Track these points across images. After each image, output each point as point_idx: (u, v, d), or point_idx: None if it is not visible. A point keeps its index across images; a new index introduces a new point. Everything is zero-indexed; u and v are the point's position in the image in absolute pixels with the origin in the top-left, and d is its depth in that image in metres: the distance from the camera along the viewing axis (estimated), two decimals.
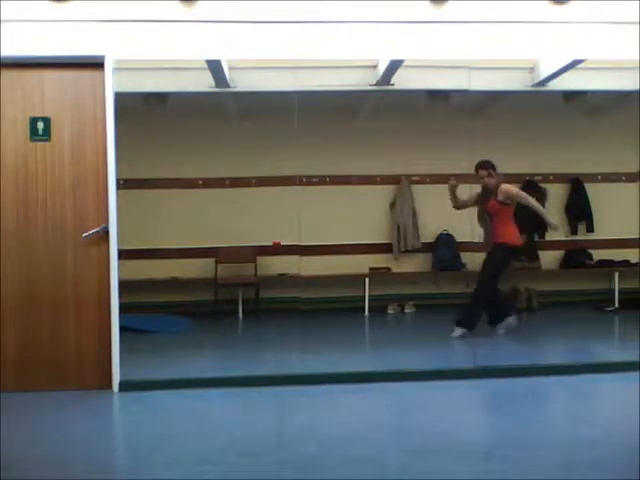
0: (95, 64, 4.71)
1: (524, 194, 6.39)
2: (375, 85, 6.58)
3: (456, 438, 3.67)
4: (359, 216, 8.13)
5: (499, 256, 6.24)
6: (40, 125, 4.76)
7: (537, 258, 8.22)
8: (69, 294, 4.75)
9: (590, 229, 8.37)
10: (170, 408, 4.44)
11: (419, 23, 4.90)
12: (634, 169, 7.90)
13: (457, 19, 4.89)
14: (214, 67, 5.98)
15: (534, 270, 8.10)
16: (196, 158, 7.88)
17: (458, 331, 6.10)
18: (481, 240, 6.56)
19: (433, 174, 8.16)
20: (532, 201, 6.26)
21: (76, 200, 4.77)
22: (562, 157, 8.05)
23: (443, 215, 7.89)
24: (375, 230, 8.27)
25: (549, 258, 8.36)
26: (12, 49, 4.59)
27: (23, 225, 4.75)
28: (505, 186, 6.24)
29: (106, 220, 4.74)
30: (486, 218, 6.37)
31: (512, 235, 6.22)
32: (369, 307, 7.84)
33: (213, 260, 7.77)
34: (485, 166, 6.26)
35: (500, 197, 6.20)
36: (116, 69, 4.76)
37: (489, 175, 6.24)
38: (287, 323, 7.25)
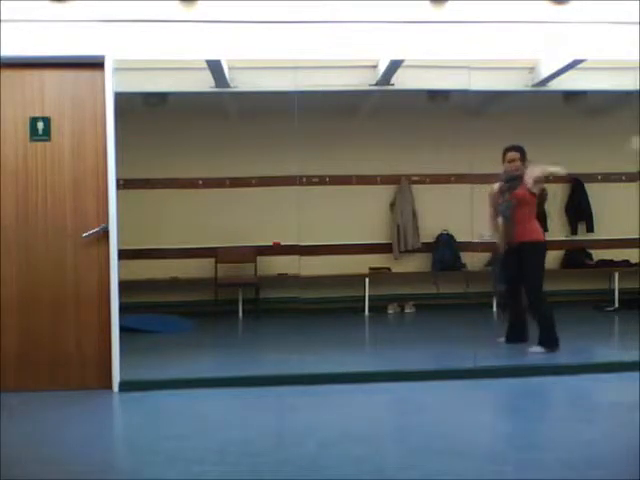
0: (95, 64, 4.71)
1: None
2: (375, 85, 6.58)
3: (456, 438, 3.67)
4: (359, 216, 8.13)
5: (534, 260, 5.79)
6: (40, 125, 4.76)
7: None
8: (69, 294, 4.75)
9: (590, 229, 8.37)
10: (170, 408, 4.44)
11: (419, 23, 4.90)
12: (634, 169, 7.90)
13: (457, 19, 4.89)
14: (214, 67, 5.98)
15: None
16: (196, 158, 7.88)
17: (537, 348, 5.61)
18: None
19: (433, 174, 8.17)
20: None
21: (76, 200, 4.78)
22: (562, 157, 8.00)
23: (443, 215, 7.92)
24: (375, 230, 8.27)
25: (549, 258, 8.30)
26: (12, 49, 4.60)
27: (23, 225, 4.75)
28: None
29: (106, 220, 4.74)
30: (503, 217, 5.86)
31: (539, 231, 5.85)
32: (369, 307, 7.84)
33: (213, 260, 7.77)
34: (518, 149, 5.78)
35: (531, 184, 5.68)
36: (116, 69, 4.76)
37: (521, 160, 5.73)
38: (287, 323, 7.24)
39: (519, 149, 5.82)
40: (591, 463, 3.26)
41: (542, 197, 8.18)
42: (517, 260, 5.82)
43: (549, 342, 5.60)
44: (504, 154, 5.83)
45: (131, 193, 6.94)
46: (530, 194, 5.76)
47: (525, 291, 5.86)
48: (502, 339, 5.98)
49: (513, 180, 5.77)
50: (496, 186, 5.91)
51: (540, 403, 4.62)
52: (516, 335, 5.91)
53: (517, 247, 5.80)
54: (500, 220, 5.90)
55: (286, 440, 3.81)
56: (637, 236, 7.26)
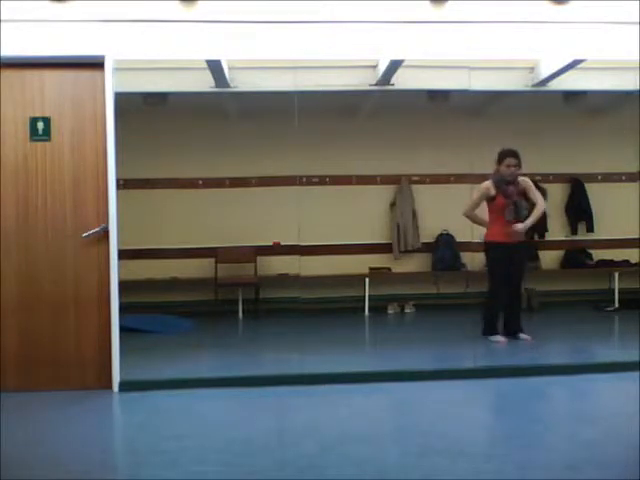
0: (95, 64, 4.71)
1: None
2: (375, 85, 6.58)
3: (456, 438, 3.67)
4: (359, 216, 8.12)
5: (525, 257, 6.24)
6: (40, 125, 4.76)
7: (537, 258, 8.22)
8: (69, 294, 4.75)
9: (590, 229, 8.37)
10: (170, 408, 4.44)
11: (419, 23, 4.90)
12: (634, 169, 7.90)
13: (457, 19, 4.89)
14: (214, 67, 5.98)
15: (534, 270, 8.10)
16: (196, 158, 7.88)
17: (525, 336, 6.03)
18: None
19: (433, 174, 8.17)
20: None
21: (76, 200, 4.78)
22: (562, 157, 8.05)
23: (443, 215, 7.91)
24: (375, 230, 8.27)
25: (549, 258, 8.36)
26: (12, 49, 4.60)
27: (23, 225, 4.75)
28: (527, 179, 6.06)
29: (106, 220, 4.74)
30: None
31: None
32: (369, 307, 7.83)
33: (213, 260, 7.77)
34: (517, 155, 5.97)
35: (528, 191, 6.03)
36: (116, 69, 4.76)
37: (517, 165, 5.96)
38: (287, 323, 7.25)
39: (518, 155, 5.95)
40: (591, 463, 3.26)
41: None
42: (509, 259, 5.98)
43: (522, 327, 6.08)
44: (502, 158, 5.96)
45: (131, 193, 6.94)
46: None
47: (516, 285, 6.11)
48: (498, 337, 5.99)
49: (509, 183, 5.94)
50: (489, 187, 6.01)
51: (540, 403, 4.62)
52: (493, 328, 6.02)
53: (513, 246, 5.96)
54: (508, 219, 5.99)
55: (286, 440, 3.81)
56: (637, 236, 7.26)
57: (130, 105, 6.01)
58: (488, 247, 6.16)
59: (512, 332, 6.03)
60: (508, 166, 5.93)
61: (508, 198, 5.94)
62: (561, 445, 3.56)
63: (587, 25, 4.99)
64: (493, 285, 6.07)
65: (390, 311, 8.02)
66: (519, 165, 5.95)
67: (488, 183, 6.03)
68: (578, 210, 8.36)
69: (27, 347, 4.72)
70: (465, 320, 6.66)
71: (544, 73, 6.51)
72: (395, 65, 6.05)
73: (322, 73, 6.19)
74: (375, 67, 6.42)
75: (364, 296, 7.83)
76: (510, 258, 5.98)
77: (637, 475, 3.08)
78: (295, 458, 3.41)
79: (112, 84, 4.73)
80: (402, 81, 6.52)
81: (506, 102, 7.49)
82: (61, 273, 4.76)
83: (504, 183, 5.95)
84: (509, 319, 6.08)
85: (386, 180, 8.22)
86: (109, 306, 4.73)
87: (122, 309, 4.79)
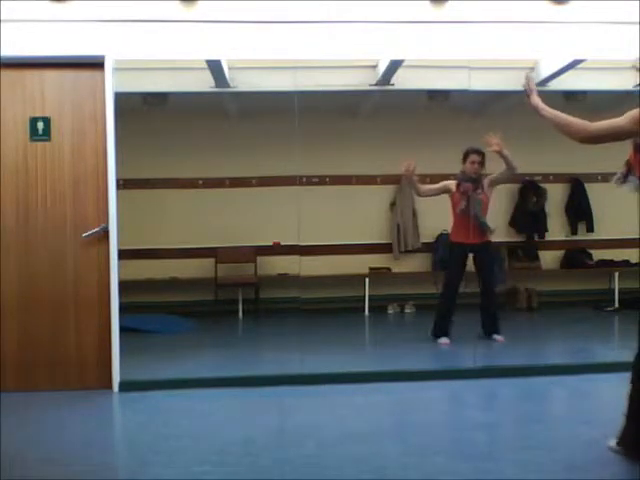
0: (95, 64, 4.72)
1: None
2: (375, 85, 6.58)
3: (456, 438, 3.67)
4: (359, 216, 8.13)
5: (492, 257, 6.32)
6: (40, 125, 4.76)
7: (537, 258, 8.22)
8: (69, 294, 4.76)
9: (590, 229, 8.37)
10: (170, 408, 4.44)
11: (419, 23, 4.90)
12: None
13: (457, 19, 4.90)
14: (214, 67, 5.98)
15: (534, 270, 8.11)
16: (196, 158, 7.88)
17: (499, 337, 6.07)
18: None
19: (433, 174, 8.15)
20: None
21: (76, 200, 4.78)
22: (562, 157, 8.01)
23: (443, 215, 7.88)
24: (375, 230, 8.27)
25: (549, 258, 8.36)
26: (12, 49, 4.60)
27: (23, 225, 4.75)
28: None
29: (106, 220, 4.74)
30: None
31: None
32: (369, 307, 7.83)
33: (213, 260, 7.77)
34: (481, 153, 6.08)
35: (487, 188, 6.11)
36: (116, 69, 4.76)
37: (480, 163, 6.08)
38: (287, 323, 7.24)
39: (482, 153, 6.07)
40: (591, 463, 3.26)
41: (542, 197, 8.25)
42: (465, 258, 6.09)
43: (499, 328, 6.06)
44: (466, 155, 6.10)
45: (131, 193, 6.94)
46: (487, 198, 6.14)
47: (487, 286, 6.18)
48: (443, 340, 6.04)
49: (474, 181, 6.06)
50: (452, 183, 6.17)
51: (540, 403, 4.62)
52: (444, 330, 6.09)
53: (474, 247, 6.08)
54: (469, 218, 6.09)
55: (286, 440, 3.81)
56: (637, 236, 7.24)
57: (130, 105, 6.01)
58: (449, 246, 6.31)
59: (487, 333, 6.06)
60: (472, 163, 6.07)
61: (463, 194, 6.07)
62: (561, 445, 3.56)
63: (587, 25, 5.00)
64: (443, 285, 6.22)
65: (390, 311, 8.02)
66: (483, 163, 6.08)
67: (454, 181, 6.18)
68: (578, 210, 8.37)
69: (27, 347, 4.73)
70: (464, 320, 6.65)
71: (544, 73, 6.50)
72: (395, 65, 6.05)
73: (322, 73, 6.18)
74: (375, 67, 6.41)
75: (364, 296, 7.83)
76: (473, 259, 6.10)
77: (637, 475, 3.09)
78: (295, 458, 3.41)
79: (112, 84, 4.73)
80: (402, 81, 6.52)
81: (506, 102, 7.48)
82: (61, 273, 4.76)
83: (465, 180, 6.08)
84: (485, 320, 6.12)
85: (386, 180, 8.22)
86: (109, 306, 4.73)
87: (122, 309, 4.79)
